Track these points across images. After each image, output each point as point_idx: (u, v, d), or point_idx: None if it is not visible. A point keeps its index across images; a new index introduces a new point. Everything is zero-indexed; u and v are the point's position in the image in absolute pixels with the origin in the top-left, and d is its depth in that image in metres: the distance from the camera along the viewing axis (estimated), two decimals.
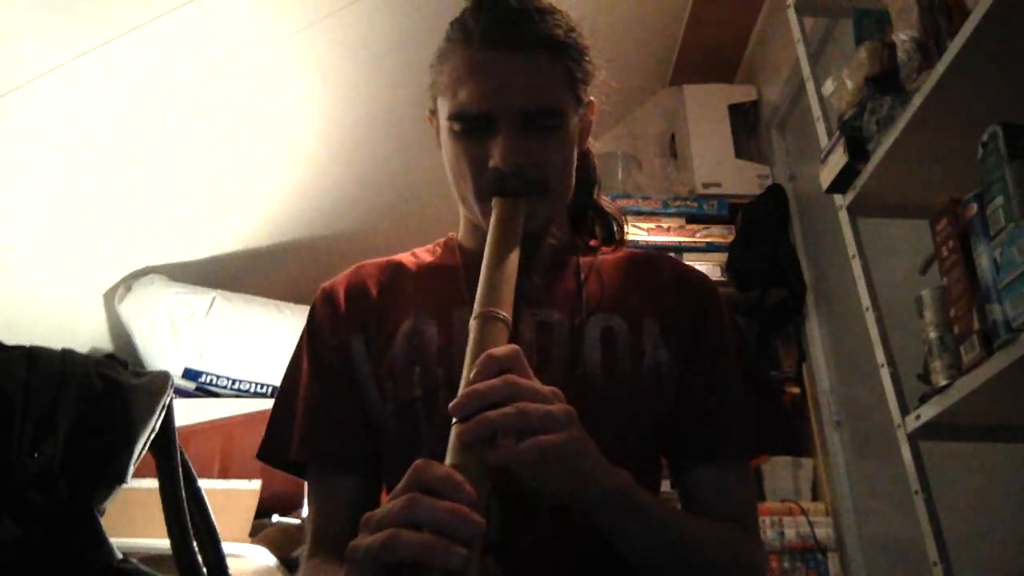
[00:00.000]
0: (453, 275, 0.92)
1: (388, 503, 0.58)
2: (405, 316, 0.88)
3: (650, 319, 0.89)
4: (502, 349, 0.67)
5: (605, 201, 1.05)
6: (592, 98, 0.94)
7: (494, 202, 0.84)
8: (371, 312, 0.90)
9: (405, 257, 0.97)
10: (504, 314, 0.73)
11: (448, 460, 0.62)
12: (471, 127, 0.85)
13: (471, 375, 0.65)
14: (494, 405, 0.63)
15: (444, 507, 0.56)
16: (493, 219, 0.83)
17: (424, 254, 0.98)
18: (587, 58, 0.90)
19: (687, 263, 1.02)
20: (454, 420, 0.64)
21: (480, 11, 0.85)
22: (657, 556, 0.74)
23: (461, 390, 0.65)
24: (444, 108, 0.87)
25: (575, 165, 0.92)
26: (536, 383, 0.66)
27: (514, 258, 0.79)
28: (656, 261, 0.97)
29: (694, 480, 0.87)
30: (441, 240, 1.00)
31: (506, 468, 0.64)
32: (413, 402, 0.84)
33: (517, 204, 0.84)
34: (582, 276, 0.92)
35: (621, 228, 1.03)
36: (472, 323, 0.72)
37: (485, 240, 0.81)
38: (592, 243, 1.01)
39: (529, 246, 0.85)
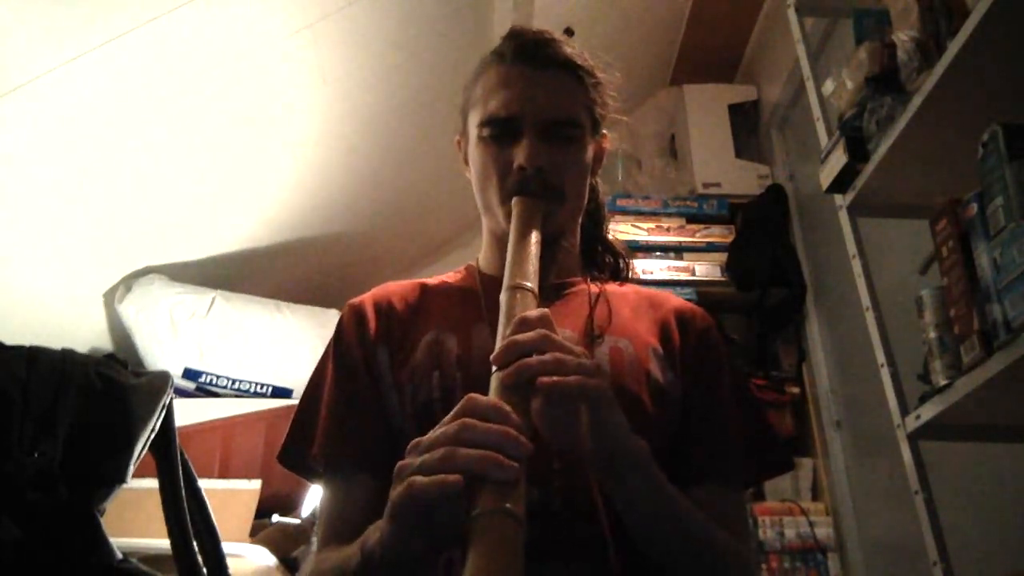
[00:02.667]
0: (473, 296, 0.98)
1: (437, 428, 0.62)
2: (427, 329, 0.94)
3: (654, 344, 0.94)
4: (533, 312, 0.73)
5: (612, 237, 1.13)
6: (605, 131, 1.03)
7: (514, 201, 0.92)
8: (396, 325, 0.96)
9: (428, 279, 1.04)
10: (531, 285, 0.79)
11: None
12: (499, 132, 0.94)
13: (507, 333, 0.71)
14: (530, 356, 0.68)
15: (496, 428, 0.60)
16: (514, 216, 0.90)
17: (446, 277, 1.05)
18: (601, 87, 1.00)
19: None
20: (495, 369, 0.68)
21: (512, 37, 0.98)
22: (661, 529, 0.77)
23: (498, 348, 0.70)
24: (475, 118, 0.97)
25: (588, 183, 1.00)
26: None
27: (536, 240, 0.87)
28: (658, 296, 1.03)
29: (692, 498, 0.87)
30: (462, 267, 1.06)
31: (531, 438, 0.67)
32: (431, 403, 0.87)
33: (536, 204, 0.91)
34: (592, 302, 0.98)
35: (627, 264, 1.12)
36: (503, 295, 0.79)
37: (504, 265, 0.86)
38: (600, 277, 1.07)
39: (545, 250, 0.89)
